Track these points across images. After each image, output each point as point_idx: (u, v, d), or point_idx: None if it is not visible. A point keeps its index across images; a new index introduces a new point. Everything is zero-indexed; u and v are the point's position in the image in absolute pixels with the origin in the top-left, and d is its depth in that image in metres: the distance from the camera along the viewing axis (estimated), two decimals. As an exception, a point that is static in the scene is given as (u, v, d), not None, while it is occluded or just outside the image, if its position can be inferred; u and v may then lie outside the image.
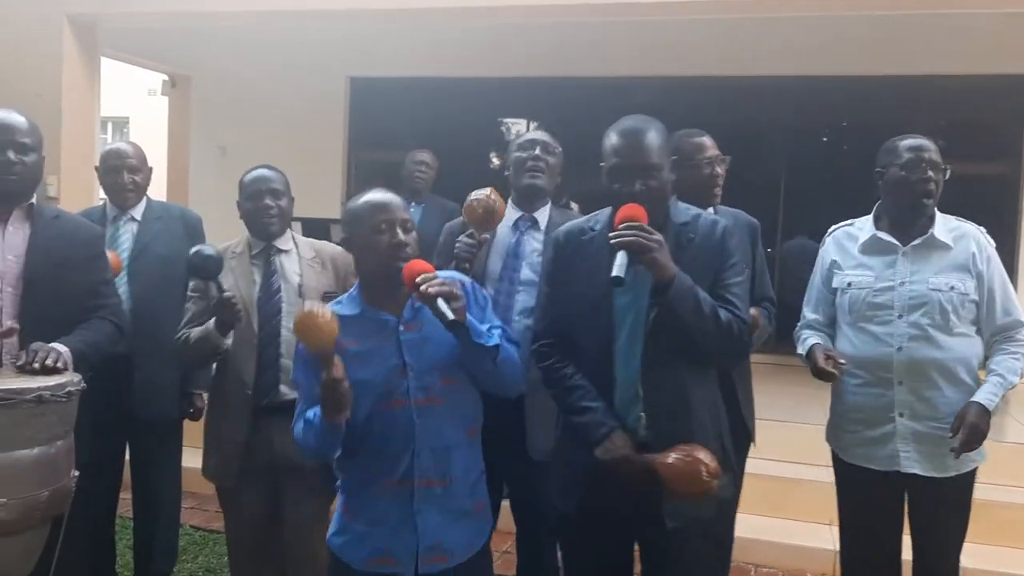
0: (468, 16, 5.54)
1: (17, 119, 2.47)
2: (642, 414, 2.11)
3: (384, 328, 2.01)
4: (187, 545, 3.89)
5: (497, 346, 1.94)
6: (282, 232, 2.74)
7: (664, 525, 2.07)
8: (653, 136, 2.08)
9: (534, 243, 2.80)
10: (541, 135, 2.91)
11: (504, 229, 2.81)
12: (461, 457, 2.03)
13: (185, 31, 6.90)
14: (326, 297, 2.57)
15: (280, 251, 2.72)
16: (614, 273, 1.94)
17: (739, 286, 2.14)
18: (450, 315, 1.82)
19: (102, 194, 3.31)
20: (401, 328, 2.00)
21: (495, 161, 7.82)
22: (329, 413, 1.87)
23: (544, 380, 2.27)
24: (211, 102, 7.91)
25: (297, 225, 5.99)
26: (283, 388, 2.63)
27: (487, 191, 2.67)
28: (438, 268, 1.98)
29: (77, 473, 2.14)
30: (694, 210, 2.21)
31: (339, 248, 2.75)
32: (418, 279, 1.87)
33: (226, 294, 2.52)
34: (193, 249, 2.57)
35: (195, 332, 2.65)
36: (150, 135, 9.37)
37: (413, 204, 4.71)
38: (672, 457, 2.00)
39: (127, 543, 3.57)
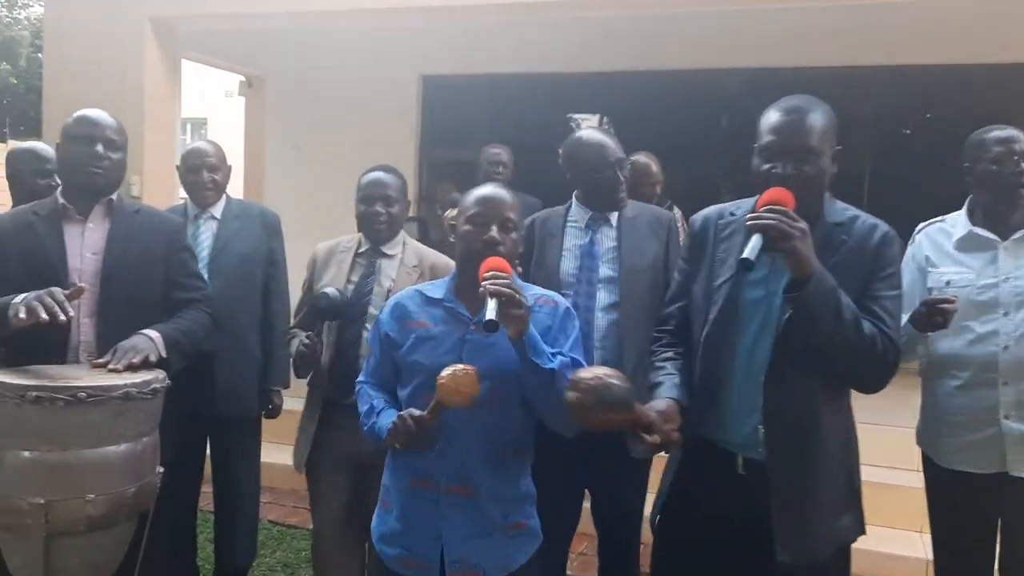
0: (539, 9, 5.49)
1: (107, 117, 2.49)
2: (760, 427, 1.93)
3: (456, 321, 1.98)
4: (265, 540, 3.93)
5: (553, 371, 1.84)
6: (391, 238, 2.71)
7: (774, 560, 1.89)
8: (817, 118, 1.91)
9: (608, 241, 2.75)
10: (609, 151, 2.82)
11: (574, 230, 2.78)
12: (490, 472, 1.95)
13: (260, 32, 7.00)
14: None
15: (385, 255, 2.70)
16: (743, 255, 1.76)
17: (891, 300, 1.93)
18: (490, 315, 1.74)
19: (182, 193, 3.35)
20: (471, 327, 1.96)
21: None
22: (395, 440, 1.90)
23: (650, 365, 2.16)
24: (286, 102, 8.02)
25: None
26: None
27: None
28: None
29: (162, 469, 2.16)
30: (852, 211, 1.99)
31: (444, 258, 2.74)
32: (486, 273, 1.82)
33: (309, 343, 2.55)
34: (322, 292, 2.57)
35: (295, 342, 2.68)
36: (227, 136, 9.57)
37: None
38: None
39: (206, 536, 3.62)
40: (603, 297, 2.68)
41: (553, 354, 1.87)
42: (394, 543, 2.00)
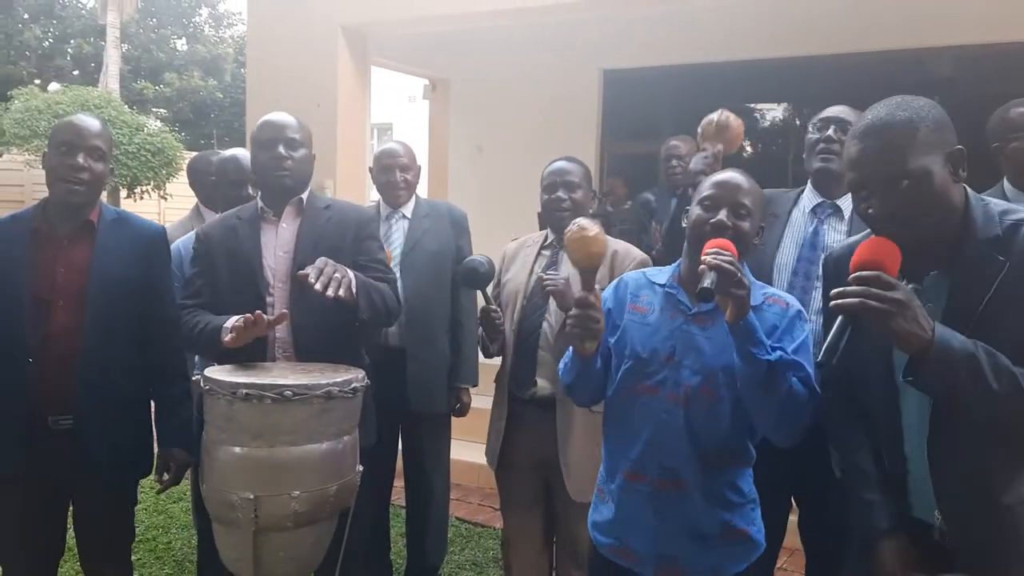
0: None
1: (285, 117, 2.53)
2: (937, 514, 1.60)
3: (675, 309, 1.90)
4: (453, 537, 3.95)
5: (770, 363, 1.68)
6: None
7: None
8: (901, 127, 1.48)
9: (835, 234, 2.47)
10: (839, 111, 2.54)
11: (800, 216, 2.54)
12: (704, 470, 1.85)
13: (444, 36, 7.14)
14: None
15: None
16: (821, 358, 1.44)
17: None
18: (705, 283, 1.63)
19: (373, 195, 3.41)
20: (689, 318, 1.87)
21: (748, 149, 7.49)
22: (573, 335, 1.82)
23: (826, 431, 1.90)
24: (468, 103, 8.14)
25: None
26: (540, 382, 2.57)
27: (717, 112, 2.65)
28: None
29: (361, 468, 2.17)
30: (1014, 213, 1.53)
31: (626, 245, 2.66)
32: (708, 249, 1.71)
33: (490, 307, 2.53)
34: (466, 260, 2.58)
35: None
36: (411, 139, 9.86)
37: (677, 197, 4.52)
38: None
39: (398, 531, 3.68)
40: (819, 298, 2.43)
41: (774, 348, 1.73)
42: (608, 532, 1.97)
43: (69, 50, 22.63)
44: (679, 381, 1.84)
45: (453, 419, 3.35)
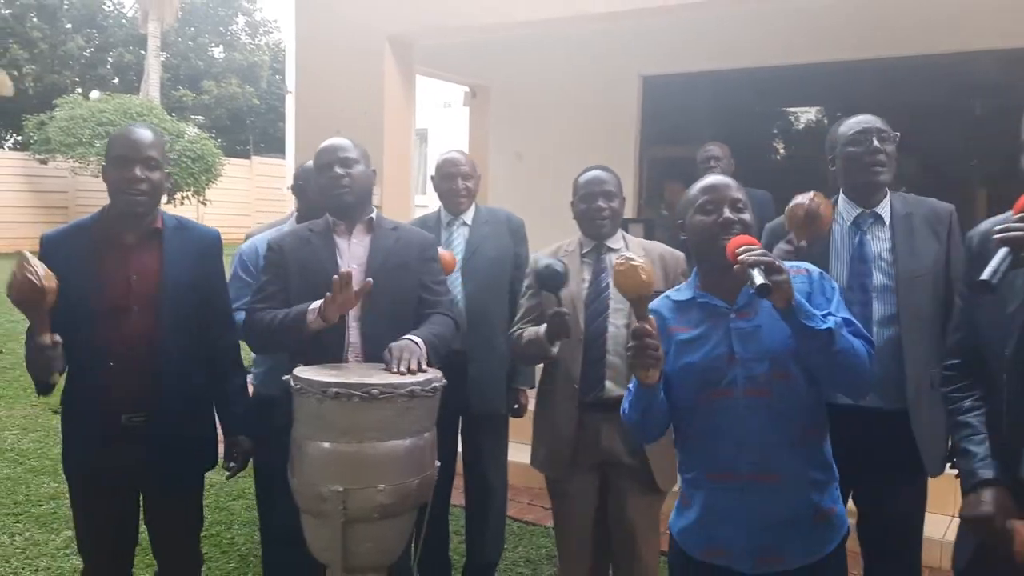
0: (755, 4, 5.33)
1: (338, 140, 2.67)
2: None
3: (715, 314, 1.96)
4: (507, 535, 4.05)
5: (830, 330, 1.78)
6: (613, 232, 2.76)
7: None
8: None
9: (880, 243, 2.52)
10: (873, 121, 2.58)
11: (842, 231, 2.57)
12: (793, 455, 1.91)
13: (484, 43, 7.25)
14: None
15: (611, 250, 2.74)
16: (983, 276, 1.58)
17: None
18: (759, 279, 1.71)
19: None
20: (733, 315, 1.94)
21: (780, 151, 7.55)
22: (636, 366, 1.86)
23: (945, 410, 2.02)
24: (508, 110, 8.25)
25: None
26: (608, 384, 2.65)
27: (811, 194, 2.48)
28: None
29: (439, 464, 2.28)
30: None
31: (669, 248, 2.74)
32: (738, 248, 1.80)
33: (561, 309, 2.57)
34: (543, 262, 2.63)
35: (527, 333, 2.74)
36: (447, 146, 10.00)
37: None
38: None
39: (454, 528, 3.78)
40: (879, 308, 2.47)
41: (824, 315, 1.83)
42: (699, 536, 2.00)
43: (110, 59, 23.10)
44: (749, 375, 1.90)
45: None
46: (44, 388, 2.33)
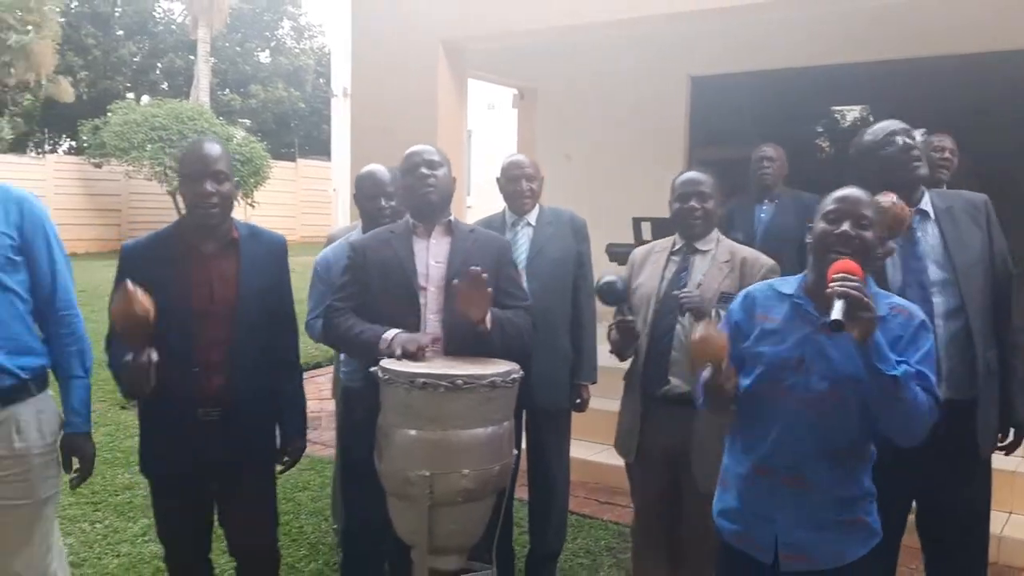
0: (812, 6, 5.37)
1: (423, 145, 2.82)
2: None
3: (804, 318, 2.03)
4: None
5: (895, 378, 1.83)
6: (706, 232, 2.82)
7: None
8: None
9: (929, 238, 2.59)
10: (896, 123, 2.65)
11: None
12: (825, 471, 1.99)
13: (533, 46, 7.36)
14: (723, 297, 2.65)
15: (698, 251, 2.82)
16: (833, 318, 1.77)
17: None
18: (836, 315, 1.76)
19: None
20: (816, 327, 1.99)
21: (828, 150, 7.57)
22: (712, 408, 2.04)
23: None
24: (556, 111, 8.35)
25: (647, 225, 6.24)
26: (673, 380, 2.74)
27: (892, 198, 2.53)
28: None
29: (517, 452, 2.40)
30: None
31: (755, 252, 2.82)
32: (835, 275, 1.85)
33: (626, 317, 2.68)
34: (604, 279, 2.75)
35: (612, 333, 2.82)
36: (492, 147, 10.12)
37: (766, 201, 4.64)
38: None
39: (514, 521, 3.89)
40: (940, 302, 2.52)
41: (898, 362, 1.87)
42: (732, 520, 2.12)
43: (160, 64, 23.62)
44: (808, 386, 1.98)
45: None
46: (135, 396, 2.50)
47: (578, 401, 3.51)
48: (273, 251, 2.74)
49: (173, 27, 24.06)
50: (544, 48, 7.51)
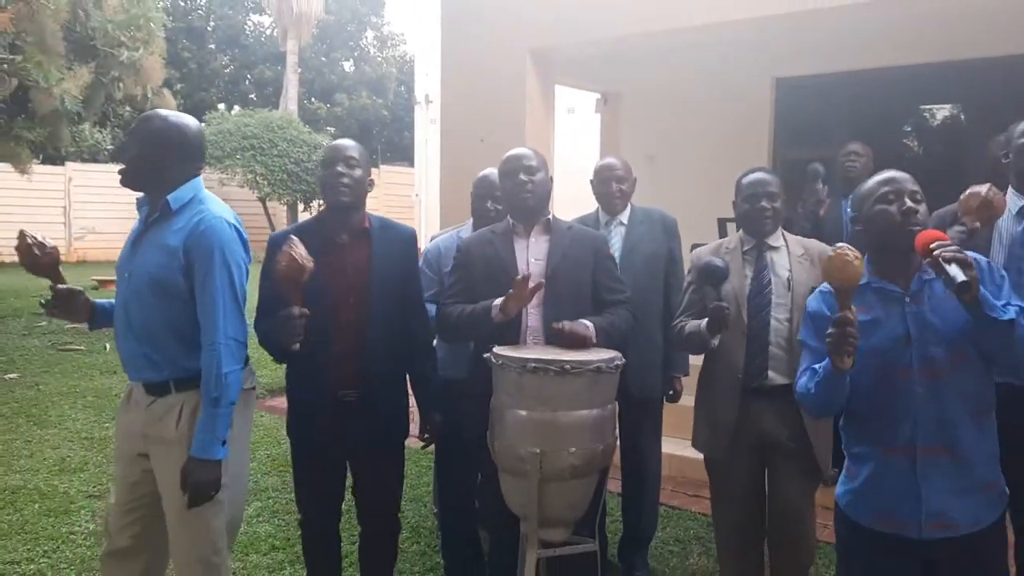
0: (888, 6, 5.38)
1: (522, 150, 3.03)
2: None
3: (890, 299, 2.12)
4: (654, 516, 4.31)
5: (1012, 321, 1.92)
6: (774, 230, 2.94)
7: None
8: None
9: None
10: None
11: (1007, 219, 2.74)
12: (967, 432, 2.05)
13: (616, 50, 7.49)
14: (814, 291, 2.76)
15: (771, 248, 2.92)
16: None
17: None
18: (961, 276, 1.84)
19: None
20: (907, 300, 2.09)
21: (915, 150, 7.49)
22: (836, 357, 1.99)
23: None
24: (640, 114, 8.47)
25: (732, 226, 6.31)
26: (771, 374, 2.83)
27: (987, 184, 2.64)
28: None
29: (618, 434, 2.57)
30: None
31: (824, 246, 2.91)
32: (932, 244, 1.94)
33: (722, 303, 2.76)
34: (705, 259, 2.88)
35: (689, 325, 2.95)
36: (569, 149, 10.26)
37: (851, 197, 4.69)
38: None
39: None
40: None
41: (1004, 305, 1.96)
42: (866, 505, 2.17)
43: (250, 76, 24.49)
44: (925, 357, 2.06)
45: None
46: (283, 356, 2.74)
47: (671, 392, 3.65)
48: (403, 242, 2.98)
49: (263, 40, 24.96)
50: (628, 53, 7.64)
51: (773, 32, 6.88)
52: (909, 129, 7.83)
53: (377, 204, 22.60)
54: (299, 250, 2.50)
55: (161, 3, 9.48)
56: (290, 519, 4.37)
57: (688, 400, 3.67)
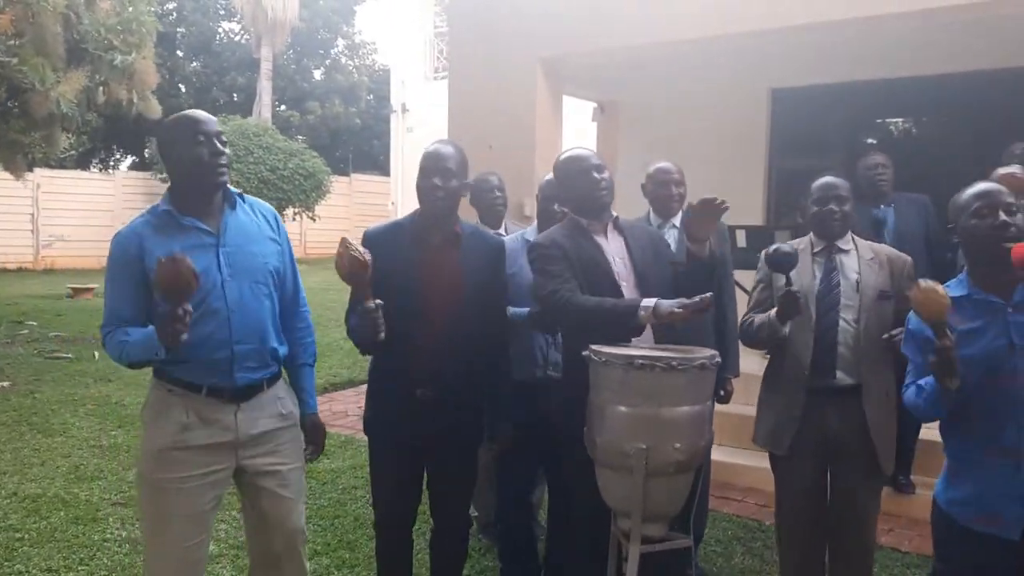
0: (886, 21, 5.52)
1: (586, 150, 3.07)
2: None
3: (992, 310, 2.19)
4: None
5: None
6: (843, 233, 3.00)
7: None
8: None
9: None
10: None
11: None
12: None
13: (614, 60, 7.57)
14: (882, 295, 2.83)
15: (841, 250, 2.98)
16: None
17: None
18: None
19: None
20: (1009, 310, 2.16)
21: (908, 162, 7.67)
22: (941, 378, 2.09)
23: None
24: (637, 124, 8.56)
25: (742, 233, 6.42)
26: (840, 374, 2.87)
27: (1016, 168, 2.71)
28: None
29: (714, 431, 2.61)
30: None
31: (894, 251, 2.99)
32: (1019, 255, 2.02)
33: (792, 288, 2.82)
34: (772, 247, 2.93)
35: (758, 319, 3.01)
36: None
37: (882, 206, 4.81)
38: None
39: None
40: None
41: None
42: (968, 505, 2.23)
43: (223, 82, 24.23)
44: None
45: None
46: (370, 348, 2.76)
47: (722, 393, 3.70)
48: (492, 250, 3.02)
49: (234, 46, 24.73)
50: (625, 62, 7.72)
51: (769, 44, 7.02)
52: (903, 142, 8.00)
53: (350, 213, 22.52)
54: (356, 248, 2.56)
55: (152, 8, 9.32)
56: (325, 524, 4.34)
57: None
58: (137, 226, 2.44)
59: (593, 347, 2.56)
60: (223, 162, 2.44)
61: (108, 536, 4.19)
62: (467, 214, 3.26)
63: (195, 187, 2.45)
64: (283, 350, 2.61)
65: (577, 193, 2.99)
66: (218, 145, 2.43)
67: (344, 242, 2.57)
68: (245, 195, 2.62)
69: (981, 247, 2.21)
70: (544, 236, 3.06)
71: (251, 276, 2.48)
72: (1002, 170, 2.91)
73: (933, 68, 6.93)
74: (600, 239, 2.97)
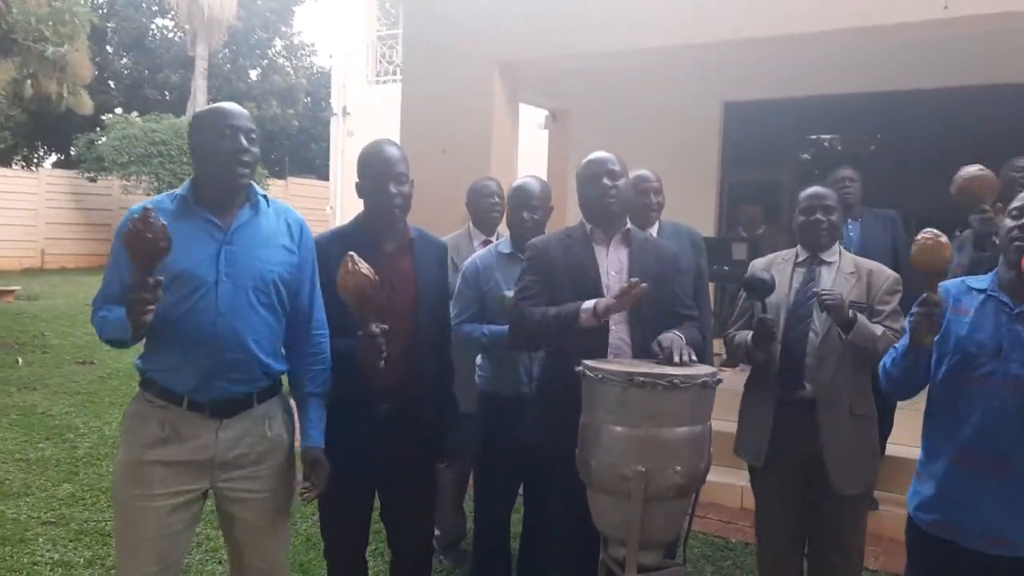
0: (837, 37, 5.55)
1: (606, 153, 2.92)
2: None
3: (998, 310, 2.17)
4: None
5: None
6: (829, 245, 2.94)
7: None
8: None
9: None
10: None
11: None
12: None
13: (567, 69, 7.49)
14: (853, 305, 2.75)
15: (823, 262, 2.92)
16: None
17: None
18: None
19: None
20: (1013, 316, 2.14)
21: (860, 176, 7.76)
22: (918, 330, 2.10)
23: None
24: (589, 133, 8.47)
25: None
26: (808, 386, 2.81)
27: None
28: None
29: (712, 452, 2.49)
30: None
31: (880, 265, 2.94)
32: None
33: (766, 316, 2.77)
34: (751, 272, 2.88)
35: (739, 336, 2.96)
36: (522, 165, 10.21)
37: (849, 221, 4.80)
38: None
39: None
40: None
41: None
42: (931, 510, 2.23)
43: (155, 80, 23.49)
44: (1008, 372, 2.11)
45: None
46: (371, 373, 2.47)
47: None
48: (439, 254, 2.85)
49: (168, 43, 24.00)
50: (578, 71, 7.66)
51: (722, 58, 7.03)
52: (854, 157, 8.08)
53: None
54: (363, 266, 2.32)
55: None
56: (297, 542, 4.10)
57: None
58: (148, 205, 2.22)
59: (587, 363, 2.42)
60: (245, 159, 2.23)
61: (38, 559, 3.88)
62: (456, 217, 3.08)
63: (213, 180, 2.26)
64: (279, 367, 2.37)
65: (585, 197, 2.88)
66: (244, 142, 2.23)
67: (351, 258, 2.32)
68: (272, 199, 2.40)
69: (1002, 245, 2.23)
70: (539, 240, 2.94)
71: (251, 281, 2.24)
72: (967, 171, 2.91)
73: (884, 85, 7.04)
74: (600, 249, 2.84)
